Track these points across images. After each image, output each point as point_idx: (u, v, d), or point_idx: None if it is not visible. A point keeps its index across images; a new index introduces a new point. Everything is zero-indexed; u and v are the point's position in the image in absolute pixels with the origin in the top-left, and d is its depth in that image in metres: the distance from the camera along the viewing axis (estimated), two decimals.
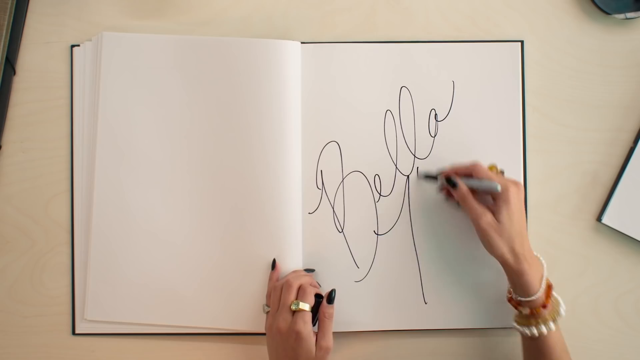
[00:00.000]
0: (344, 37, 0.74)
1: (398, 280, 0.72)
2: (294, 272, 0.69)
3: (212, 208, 0.71)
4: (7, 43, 0.70)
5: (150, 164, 0.71)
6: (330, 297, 0.65)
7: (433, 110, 0.73)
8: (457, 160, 0.71)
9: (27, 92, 0.73)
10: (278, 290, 0.65)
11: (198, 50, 0.72)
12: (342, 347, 0.72)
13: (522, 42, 0.74)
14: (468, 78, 0.73)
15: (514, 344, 0.72)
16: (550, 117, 0.74)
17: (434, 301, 0.72)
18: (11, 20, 0.70)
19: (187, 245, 0.71)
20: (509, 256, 0.63)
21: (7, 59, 0.71)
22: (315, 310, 0.64)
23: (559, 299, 0.65)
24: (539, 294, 0.63)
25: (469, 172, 0.67)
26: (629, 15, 0.73)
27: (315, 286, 0.67)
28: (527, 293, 0.63)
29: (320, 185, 0.72)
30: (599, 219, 0.73)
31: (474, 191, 0.66)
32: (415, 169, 0.72)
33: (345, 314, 0.70)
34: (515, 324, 0.66)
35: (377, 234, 0.72)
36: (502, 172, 0.70)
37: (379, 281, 0.71)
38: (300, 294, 0.64)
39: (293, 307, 0.63)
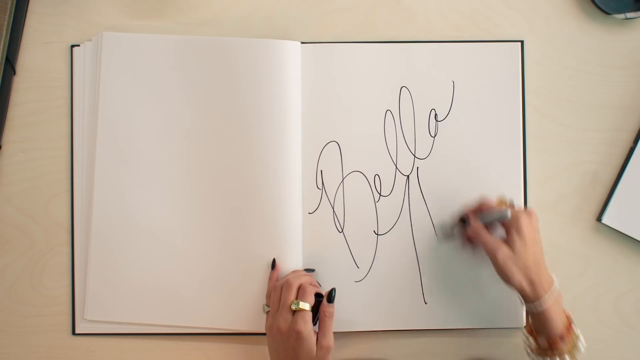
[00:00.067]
0: (344, 37, 0.74)
1: (398, 280, 0.72)
2: (294, 272, 0.69)
3: (212, 208, 0.71)
4: (7, 43, 0.70)
5: (150, 164, 0.71)
6: (331, 296, 0.65)
7: (433, 110, 0.73)
8: (457, 160, 0.71)
9: (27, 92, 0.73)
10: (278, 290, 0.65)
11: (198, 50, 0.72)
12: (342, 347, 0.72)
13: (522, 42, 0.74)
14: (468, 78, 0.73)
15: (514, 344, 0.72)
16: (550, 117, 0.74)
17: (434, 301, 0.71)
18: (11, 20, 0.70)
19: (187, 245, 0.71)
20: (526, 285, 0.62)
21: (7, 59, 0.70)
22: (316, 309, 0.64)
23: (579, 334, 0.64)
24: (558, 325, 0.62)
25: (478, 210, 0.67)
26: (629, 15, 0.73)
27: (315, 286, 0.67)
28: (549, 328, 0.62)
29: (320, 185, 0.72)
30: (599, 219, 0.73)
31: (487, 227, 0.66)
32: (415, 168, 0.72)
33: (345, 314, 0.70)
34: (529, 351, 0.66)
35: (377, 234, 0.72)
36: (511, 203, 0.68)
37: (379, 281, 0.71)
38: (300, 293, 0.64)
39: (293, 307, 0.63)
